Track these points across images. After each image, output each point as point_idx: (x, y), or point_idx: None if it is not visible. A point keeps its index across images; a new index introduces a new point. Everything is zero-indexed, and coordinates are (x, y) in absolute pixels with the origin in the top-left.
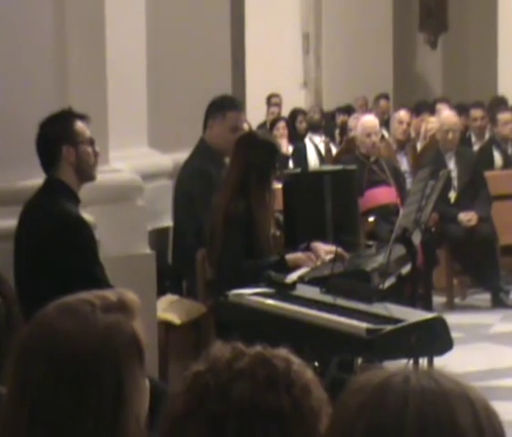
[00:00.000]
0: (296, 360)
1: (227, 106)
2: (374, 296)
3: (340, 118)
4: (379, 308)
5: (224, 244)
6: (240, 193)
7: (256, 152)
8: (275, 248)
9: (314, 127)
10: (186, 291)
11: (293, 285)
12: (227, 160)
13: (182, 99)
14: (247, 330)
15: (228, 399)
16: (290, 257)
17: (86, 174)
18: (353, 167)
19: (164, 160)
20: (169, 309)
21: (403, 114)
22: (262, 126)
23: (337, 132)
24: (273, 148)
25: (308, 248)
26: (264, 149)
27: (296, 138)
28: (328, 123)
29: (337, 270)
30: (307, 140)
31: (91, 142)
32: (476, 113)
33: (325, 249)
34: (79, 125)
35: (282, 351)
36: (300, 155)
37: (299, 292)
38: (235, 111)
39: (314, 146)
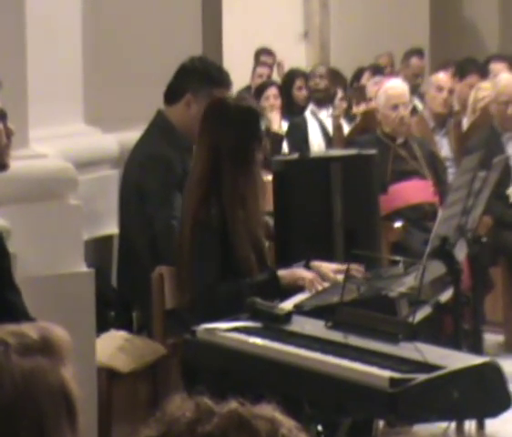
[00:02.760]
0: (286, 422)
1: (215, 79)
2: (402, 333)
3: (356, 84)
4: (408, 349)
5: (192, 260)
6: (212, 189)
7: (230, 127)
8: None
9: (319, 97)
10: (137, 326)
11: (288, 316)
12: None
13: (131, 60)
14: (221, 380)
15: None
16: (284, 273)
17: None
18: (372, 151)
19: (107, 142)
20: (114, 350)
21: (442, 77)
22: (245, 91)
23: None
24: (256, 121)
25: (307, 268)
26: (242, 123)
27: (293, 111)
28: (336, 90)
29: (349, 297)
30: (308, 114)
31: (1, 116)
32: None
33: (332, 268)
34: None
35: (267, 409)
36: (298, 134)
37: (295, 327)
38: (224, 88)
39: (318, 122)
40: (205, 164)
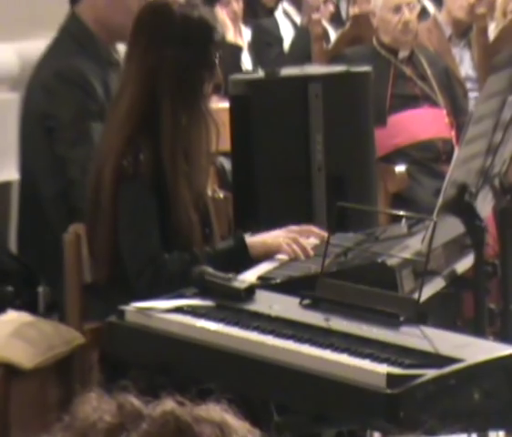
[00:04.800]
0: (240, 428)
1: None
2: (404, 313)
3: None
4: (412, 336)
5: (113, 222)
6: (143, 127)
7: (172, 46)
8: (218, 224)
9: None
10: (44, 305)
11: (249, 292)
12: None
13: None
14: (156, 375)
15: None
16: (255, 242)
17: None
18: (365, 68)
19: (2, 55)
20: (12, 338)
21: None
22: None
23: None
24: (208, 41)
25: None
26: (189, 42)
27: (257, 13)
28: None
29: (333, 265)
30: (280, 15)
31: None
32: None
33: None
34: None
35: (214, 411)
36: (264, 43)
37: (260, 306)
38: None
39: (294, 25)
40: (136, 91)
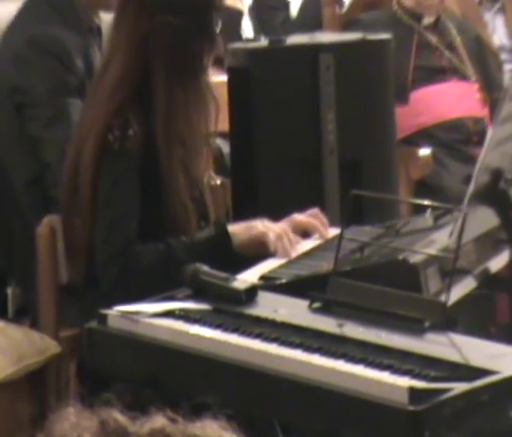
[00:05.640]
0: None
1: None
2: (429, 318)
3: None
4: (438, 344)
5: (93, 206)
6: (132, 101)
7: (167, 12)
8: (215, 215)
9: None
10: (14, 309)
11: (251, 294)
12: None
13: None
14: (144, 388)
15: None
16: (239, 229)
17: None
18: (385, 36)
19: None
20: None
21: None
22: None
23: None
24: (209, 6)
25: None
26: (187, 7)
27: None
28: None
29: (347, 263)
30: None
31: None
32: None
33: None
34: None
35: (211, 427)
36: (268, 7)
37: (262, 310)
38: None
39: None
40: (125, 62)
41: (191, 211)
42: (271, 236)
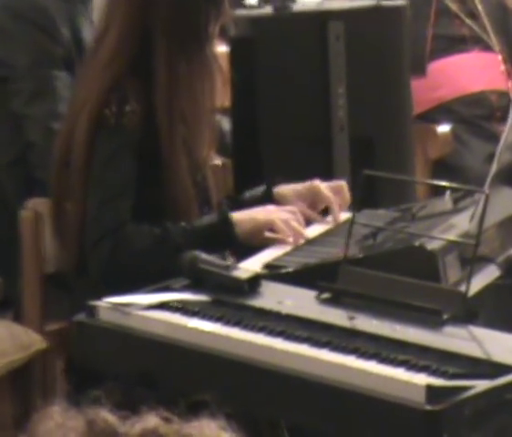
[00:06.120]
0: None
1: None
2: (448, 310)
3: None
4: (458, 338)
5: (90, 186)
6: (129, 74)
7: None
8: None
9: None
10: None
11: (254, 284)
12: None
13: None
14: (137, 386)
15: None
16: (243, 217)
17: None
18: (400, 1)
19: None
20: None
21: None
22: None
23: None
24: None
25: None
26: None
27: None
28: None
29: (358, 250)
30: None
31: None
32: None
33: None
34: None
35: (209, 427)
36: None
37: (266, 302)
38: None
39: None
40: (124, 29)
41: (193, 197)
42: (279, 224)
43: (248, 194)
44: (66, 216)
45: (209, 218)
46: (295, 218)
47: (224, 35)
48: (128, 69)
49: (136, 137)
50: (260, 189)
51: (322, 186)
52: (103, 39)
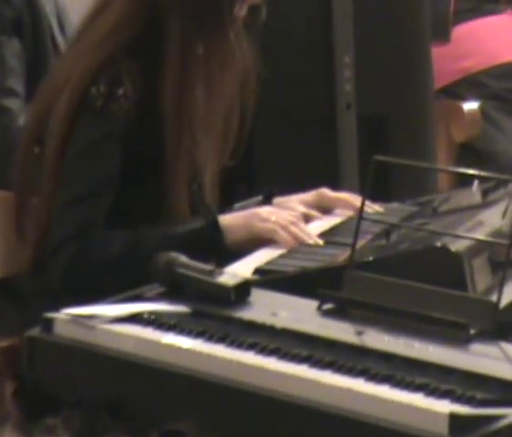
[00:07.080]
0: None
1: None
2: (476, 323)
3: None
4: (487, 358)
5: (61, 179)
6: (127, 52)
7: None
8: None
9: None
10: None
11: (242, 292)
12: None
13: None
14: (101, 413)
15: None
16: (233, 220)
17: None
18: None
19: None
20: None
21: None
22: None
23: None
24: None
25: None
26: None
27: None
28: None
29: (368, 252)
30: None
31: None
32: None
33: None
34: None
35: None
36: None
37: (257, 314)
38: None
39: None
40: (126, 6)
41: (186, 212)
42: (283, 234)
43: (239, 206)
44: (29, 211)
45: (193, 222)
46: (298, 222)
47: None
48: (125, 49)
49: (123, 127)
50: (254, 201)
51: (331, 193)
52: (102, 11)
